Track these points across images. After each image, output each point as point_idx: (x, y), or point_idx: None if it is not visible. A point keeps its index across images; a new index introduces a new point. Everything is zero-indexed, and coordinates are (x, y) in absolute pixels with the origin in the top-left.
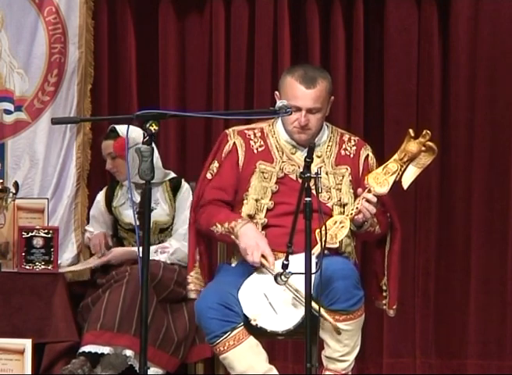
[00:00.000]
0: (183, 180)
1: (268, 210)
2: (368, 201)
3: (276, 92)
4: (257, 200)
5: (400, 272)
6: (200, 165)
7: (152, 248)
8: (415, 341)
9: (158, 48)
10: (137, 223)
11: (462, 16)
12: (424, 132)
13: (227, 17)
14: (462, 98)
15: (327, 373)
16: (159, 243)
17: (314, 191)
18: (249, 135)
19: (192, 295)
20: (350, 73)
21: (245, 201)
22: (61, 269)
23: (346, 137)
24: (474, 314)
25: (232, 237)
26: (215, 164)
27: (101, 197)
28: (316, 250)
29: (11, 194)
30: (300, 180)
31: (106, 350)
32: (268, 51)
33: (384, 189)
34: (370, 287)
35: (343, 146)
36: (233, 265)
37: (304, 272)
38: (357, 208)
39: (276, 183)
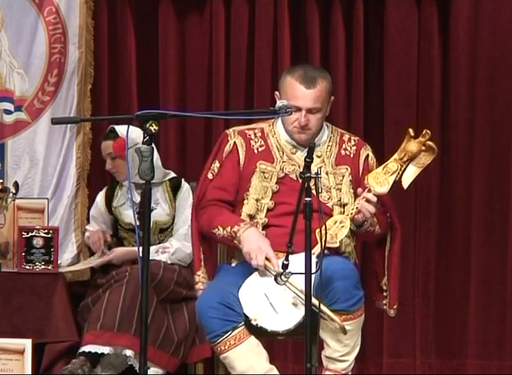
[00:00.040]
0: (183, 180)
1: (268, 210)
2: (367, 200)
3: (276, 92)
4: (257, 200)
5: (400, 272)
6: (200, 165)
7: (153, 248)
8: (415, 341)
9: (158, 48)
10: (137, 223)
11: (462, 16)
12: (424, 131)
13: (227, 17)
14: (462, 98)
15: (327, 373)
16: (159, 243)
17: (314, 191)
18: (249, 135)
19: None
20: (350, 73)
21: (245, 201)
22: (61, 269)
23: (346, 137)
24: (474, 314)
25: (235, 242)
26: (216, 164)
27: (100, 197)
28: (316, 250)
29: (11, 194)
30: (300, 180)
31: (106, 350)
32: (268, 51)
33: (384, 189)
34: (370, 287)
35: (343, 146)
36: (233, 265)
37: (304, 272)
38: (357, 207)
39: (277, 183)
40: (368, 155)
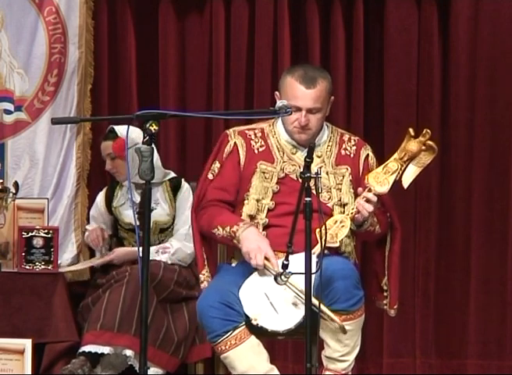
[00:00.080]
0: (183, 180)
1: (269, 210)
2: (368, 200)
3: (276, 92)
4: (258, 200)
5: (400, 271)
6: (200, 165)
7: (153, 249)
8: (415, 341)
9: (158, 48)
10: (137, 223)
11: (462, 16)
12: (424, 131)
13: (227, 17)
14: (462, 98)
15: (327, 373)
16: (159, 243)
17: (314, 191)
18: (249, 135)
19: None
20: (350, 73)
21: (246, 202)
22: (61, 269)
23: (346, 137)
24: (474, 314)
25: (235, 241)
26: (217, 164)
27: (100, 197)
28: (317, 249)
29: (11, 194)
30: (300, 180)
31: (106, 350)
32: (268, 51)
33: (384, 188)
34: (370, 287)
35: (343, 146)
36: (233, 265)
37: (304, 272)
38: (357, 207)
39: (277, 183)
40: (368, 154)
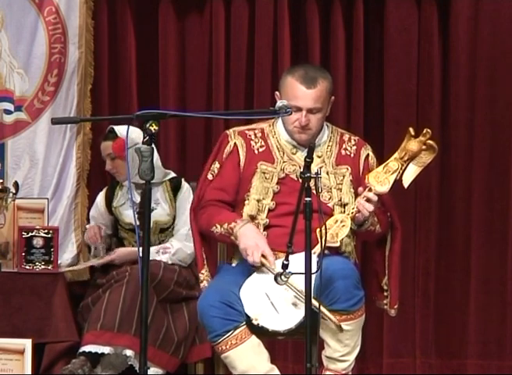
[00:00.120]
0: (183, 180)
1: (269, 210)
2: (368, 199)
3: (276, 92)
4: (258, 200)
5: (400, 271)
6: (200, 165)
7: (154, 249)
8: (415, 341)
9: (158, 48)
10: (137, 223)
11: (462, 16)
12: (424, 130)
13: (227, 17)
14: (462, 98)
15: (327, 373)
16: (159, 243)
17: (314, 191)
18: (250, 135)
19: None
20: (350, 73)
21: (246, 202)
22: (61, 269)
23: (346, 136)
24: (474, 314)
25: (232, 238)
26: (216, 165)
27: (100, 198)
28: (317, 249)
29: (11, 194)
30: (300, 180)
31: (106, 350)
32: (268, 51)
33: (385, 188)
34: (371, 287)
35: (344, 146)
36: (234, 264)
37: (304, 272)
38: (357, 207)
39: (277, 183)
40: (368, 154)
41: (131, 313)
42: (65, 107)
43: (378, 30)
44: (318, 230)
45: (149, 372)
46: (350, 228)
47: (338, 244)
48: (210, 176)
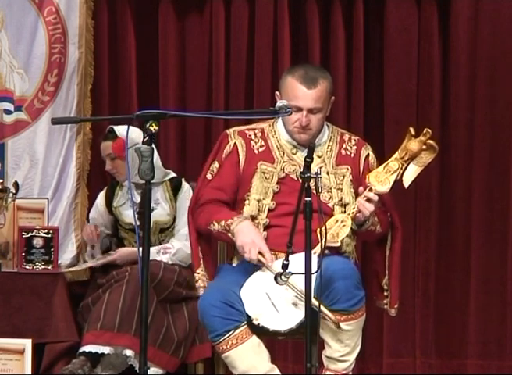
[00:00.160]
0: (183, 180)
1: (269, 210)
2: (369, 199)
3: (277, 92)
4: (258, 200)
5: (400, 271)
6: (200, 165)
7: (154, 249)
8: (415, 341)
9: (158, 48)
10: (138, 223)
11: (462, 16)
12: (424, 130)
13: (227, 17)
14: (462, 98)
15: (327, 373)
16: (160, 243)
17: (314, 191)
18: (249, 135)
19: (201, 292)
20: (350, 73)
21: (247, 202)
22: (61, 269)
23: (346, 136)
24: (474, 314)
25: (229, 234)
26: (216, 165)
27: (100, 198)
28: (317, 249)
29: (11, 194)
30: (300, 180)
31: (106, 350)
32: (268, 51)
33: (385, 188)
34: (371, 287)
35: (344, 146)
36: (234, 264)
37: (304, 272)
38: (358, 206)
39: (277, 183)
40: (368, 154)
41: (131, 313)
42: (65, 107)
43: (378, 30)
44: (318, 229)
45: (149, 372)
46: (351, 228)
47: (339, 244)
48: (209, 176)
